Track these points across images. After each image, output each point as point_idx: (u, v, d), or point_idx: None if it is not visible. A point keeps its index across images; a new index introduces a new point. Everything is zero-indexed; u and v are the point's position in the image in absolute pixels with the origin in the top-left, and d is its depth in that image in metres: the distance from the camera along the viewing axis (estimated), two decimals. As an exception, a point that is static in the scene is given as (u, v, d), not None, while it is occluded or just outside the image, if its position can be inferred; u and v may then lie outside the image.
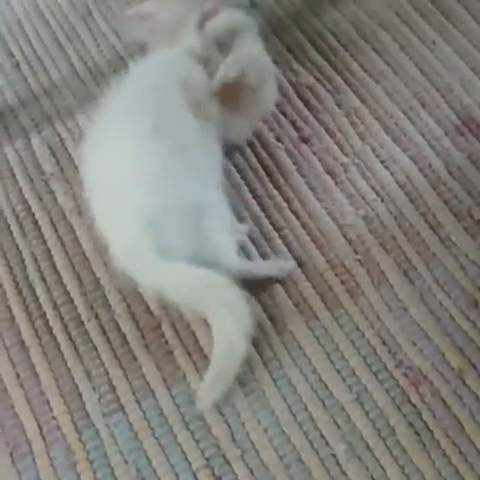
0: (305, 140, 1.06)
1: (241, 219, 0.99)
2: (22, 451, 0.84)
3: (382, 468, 0.81)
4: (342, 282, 0.93)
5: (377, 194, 1.00)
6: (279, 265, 0.95)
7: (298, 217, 0.99)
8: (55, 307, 0.93)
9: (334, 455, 0.82)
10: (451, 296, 0.91)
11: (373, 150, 1.04)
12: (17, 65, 1.18)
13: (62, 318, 0.92)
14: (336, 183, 1.02)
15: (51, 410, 0.86)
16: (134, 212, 0.89)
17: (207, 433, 0.84)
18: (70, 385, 0.87)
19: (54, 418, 0.86)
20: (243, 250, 0.95)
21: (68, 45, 1.19)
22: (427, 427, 0.83)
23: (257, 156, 1.05)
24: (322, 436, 0.83)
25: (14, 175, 1.06)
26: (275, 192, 1.02)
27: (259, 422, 0.84)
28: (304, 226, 0.98)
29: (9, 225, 1.01)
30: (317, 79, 1.12)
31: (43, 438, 0.84)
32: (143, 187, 0.90)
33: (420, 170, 1.02)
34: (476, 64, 1.10)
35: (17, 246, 0.99)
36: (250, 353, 0.87)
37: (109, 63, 1.16)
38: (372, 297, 0.92)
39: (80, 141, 1.02)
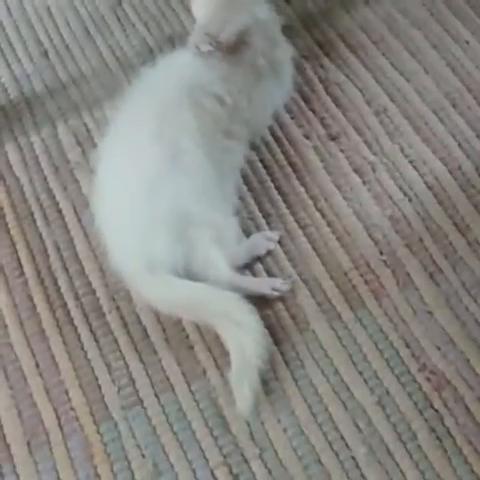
0: (333, 137, 1.05)
1: (267, 216, 0.98)
2: (39, 441, 0.84)
3: (402, 473, 0.80)
4: (366, 282, 0.92)
5: (405, 194, 0.99)
6: (273, 284, 0.91)
7: (324, 215, 0.98)
8: (77, 297, 0.93)
9: (354, 458, 0.81)
10: (477, 301, 0.89)
11: (402, 150, 1.03)
12: (45, 53, 1.17)
13: (83, 309, 0.92)
14: (363, 182, 1.00)
15: (69, 401, 0.86)
16: (127, 224, 0.90)
17: (226, 430, 0.83)
18: (89, 376, 0.87)
19: (72, 409, 0.85)
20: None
21: (97, 35, 1.19)
22: (449, 433, 0.82)
23: (284, 153, 1.04)
24: (342, 438, 0.82)
25: (39, 163, 1.05)
26: (301, 189, 1.01)
27: (279, 421, 0.83)
28: (329, 224, 0.97)
29: (33, 213, 1.01)
30: (347, 76, 1.11)
31: (61, 429, 0.84)
32: (134, 195, 0.90)
33: (449, 172, 1.00)
34: (510, 66, 1.09)
35: (40, 235, 0.99)
36: (272, 352, 0.87)
37: (138, 54, 1.15)
38: (397, 299, 0.90)
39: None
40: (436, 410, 0.83)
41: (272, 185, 1.01)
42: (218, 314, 0.87)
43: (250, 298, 0.88)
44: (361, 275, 0.93)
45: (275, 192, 1.01)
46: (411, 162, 1.01)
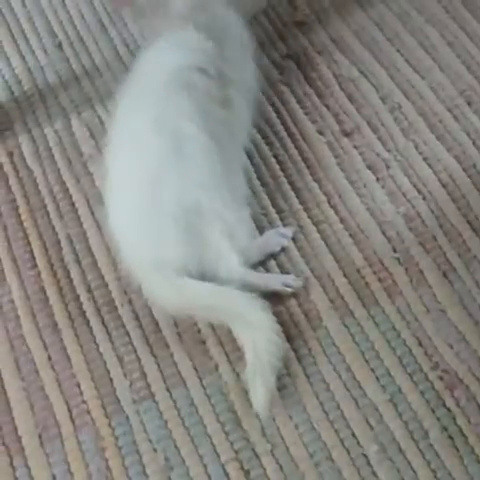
0: (347, 134, 1.04)
1: (280, 212, 0.98)
2: (51, 433, 0.84)
3: (414, 471, 0.79)
4: (379, 280, 0.92)
5: (419, 192, 0.98)
6: (285, 281, 0.90)
7: (337, 212, 0.98)
8: (89, 290, 0.93)
9: (365, 455, 0.80)
10: (491, 300, 0.89)
11: (416, 147, 1.02)
12: (59, 45, 1.17)
13: (95, 302, 0.92)
14: (377, 179, 1.00)
15: (81, 394, 0.86)
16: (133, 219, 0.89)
17: (237, 426, 0.83)
18: (101, 369, 0.87)
19: (84, 402, 0.85)
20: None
21: (111, 27, 1.18)
22: (461, 432, 0.81)
23: (298, 148, 1.04)
24: (354, 435, 0.82)
25: (53, 156, 1.05)
26: (315, 185, 1.00)
27: (290, 418, 0.83)
28: (342, 221, 0.97)
29: (46, 205, 1.01)
30: (361, 72, 1.11)
31: (72, 421, 0.84)
32: (140, 190, 0.89)
33: (464, 170, 1.00)
34: (526, 64, 1.08)
35: (53, 227, 0.99)
36: (284, 348, 0.86)
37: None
38: (410, 297, 0.90)
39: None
40: (448, 409, 0.83)
41: (285, 181, 1.01)
42: (230, 315, 0.87)
43: (262, 294, 0.88)
44: (374, 272, 0.92)
45: (288, 188, 1.00)
46: (425, 159, 1.01)
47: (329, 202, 0.99)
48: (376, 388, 0.84)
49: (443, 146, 1.02)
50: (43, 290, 0.93)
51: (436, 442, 0.81)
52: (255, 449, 0.81)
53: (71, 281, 0.94)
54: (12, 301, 0.92)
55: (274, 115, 1.07)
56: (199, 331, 0.89)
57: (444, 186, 0.99)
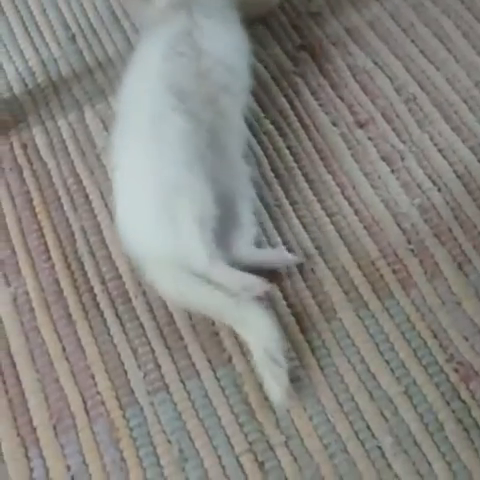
0: (361, 125, 1.04)
1: (294, 203, 0.97)
2: (66, 424, 0.84)
3: (429, 463, 0.79)
4: (394, 272, 0.91)
5: (434, 183, 0.98)
6: (250, 282, 0.87)
7: (351, 203, 0.97)
8: (103, 282, 0.93)
9: (380, 447, 0.80)
10: (507, 292, 0.88)
11: (431, 138, 1.01)
12: (73, 37, 1.17)
13: (110, 293, 0.92)
14: (392, 170, 0.99)
15: (96, 385, 0.86)
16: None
17: (251, 417, 0.83)
18: (115, 361, 0.87)
19: (98, 393, 0.85)
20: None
21: (124, 19, 1.18)
22: (477, 424, 0.81)
23: (311, 139, 1.03)
24: (368, 427, 0.81)
25: (66, 148, 1.05)
26: (328, 177, 1.00)
27: (305, 409, 0.83)
28: (357, 213, 0.96)
29: (60, 198, 1.01)
30: (375, 63, 1.10)
31: (87, 413, 0.84)
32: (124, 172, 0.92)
33: (479, 161, 0.99)
34: None
35: (67, 219, 0.99)
36: (298, 340, 0.86)
37: (165, 39, 1.14)
38: (424, 289, 0.90)
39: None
40: (463, 401, 0.82)
41: (299, 172, 1.01)
42: (225, 316, 0.87)
43: (279, 287, 0.89)
44: (389, 264, 0.92)
45: (302, 179, 1.00)
46: (440, 151, 1.00)
47: (343, 193, 0.98)
48: (391, 380, 0.84)
49: (458, 137, 1.01)
50: (57, 282, 0.93)
51: (451, 434, 0.80)
52: (269, 441, 0.81)
53: (85, 273, 0.94)
54: (27, 293, 0.93)
55: (288, 106, 1.06)
56: (213, 323, 0.89)
57: (459, 177, 0.98)
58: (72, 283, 0.93)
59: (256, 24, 1.13)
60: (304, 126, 1.04)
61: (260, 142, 1.03)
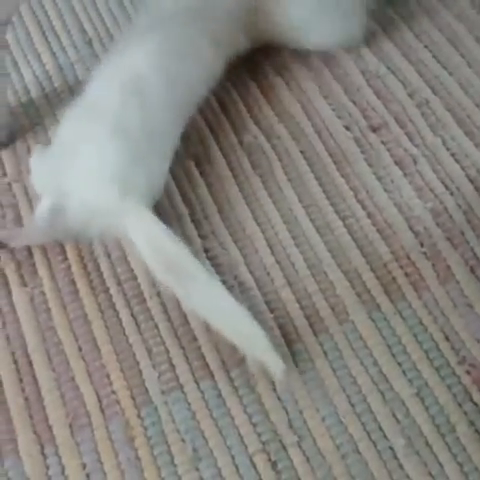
0: (374, 129, 1.05)
1: (307, 207, 0.98)
2: (81, 423, 0.85)
3: (440, 465, 0.80)
4: (406, 274, 0.92)
5: (446, 188, 0.98)
6: None
7: (364, 207, 0.98)
8: (119, 283, 0.94)
9: (392, 448, 0.81)
10: (518, 295, 0.89)
11: (444, 143, 1.02)
12: (89, 42, 1.19)
13: (125, 294, 0.93)
14: (405, 174, 1.00)
15: (111, 384, 0.87)
16: None
17: (265, 418, 0.83)
18: (131, 361, 0.88)
19: (114, 392, 0.86)
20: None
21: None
22: (488, 427, 0.82)
23: (324, 143, 1.04)
24: (380, 428, 0.82)
25: (82, 151, 1.06)
26: (341, 180, 1.01)
27: (317, 411, 0.83)
28: (370, 216, 0.97)
29: (76, 200, 1.02)
30: (388, 68, 1.11)
31: (102, 411, 0.85)
32: None
33: (492, 165, 1.00)
34: None
35: (83, 221, 1.00)
36: (311, 342, 0.87)
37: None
38: (437, 292, 0.90)
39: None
40: (475, 403, 0.83)
41: (312, 176, 1.02)
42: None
43: (290, 285, 0.90)
44: (401, 267, 0.92)
45: (315, 183, 1.01)
46: (453, 155, 1.01)
47: (356, 197, 0.99)
48: (403, 382, 0.84)
49: (471, 142, 1.02)
50: (74, 283, 0.94)
51: (463, 436, 0.81)
52: (282, 441, 0.82)
53: (101, 274, 0.95)
54: (43, 293, 0.94)
55: (301, 111, 1.07)
56: (227, 324, 0.90)
57: (472, 181, 0.99)
58: (88, 284, 0.94)
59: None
60: (317, 131, 1.05)
61: (273, 146, 1.04)
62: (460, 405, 0.83)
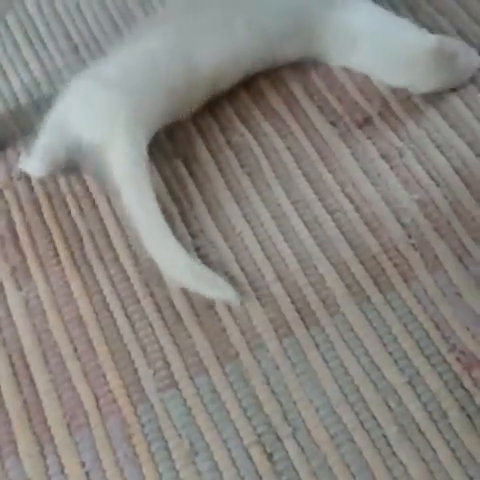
0: (360, 125, 1.06)
1: (295, 202, 0.99)
2: (79, 422, 0.86)
3: (433, 450, 0.81)
4: (395, 265, 0.93)
5: (432, 179, 1.00)
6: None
7: (351, 201, 0.99)
8: (112, 284, 0.95)
9: (385, 436, 0.82)
10: (506, 282, 0.90)
11: (429, 135, 1.04)
12: (75, 48, 1.20)
13: (118, 295, 0.94)
14: (391, 167, 1.01)
15: (107, 383, 0.88)
16: None
17: (259, 410, 0.85)
18: (126, 360, 0.89)
19: (110, 391, 0.87)
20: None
21: (126, 29, 1.21)
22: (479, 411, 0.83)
23: (310, 140, 1.05)
24: (374, 417, 0.83)
25: (72, 155, 1.08)
26: (329, 176, 1.02)
27: (311, 402, 0.85)
28: (357, 209, 0.98)
29: (67, 204, 1.03)
30: (372, 64, 1.12)
31: (99, 410, 0.86)
32: None
33: (477, 156, 1.01)
34: None
35: (75, 224, 1.01)
36: (303, 335, 0.88)
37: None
38: (426, 281, 0.92)
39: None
40: (466, 389, 0.84)
41: (300, 172, 1.03)
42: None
43: (281, 280, 0.92)
44: (390, 258, 0.94)
45: (303, 179, 1.02)
46: (438, 147, 1.02)
47: (343, 191, 1.00)
48: (394, 371, 0.86)
49: (456, 133, 1.03)
50: (68, 285, 0.96)
51: (455, 422, 0.82)
52: (277, 433, 0.83)
53: (94, 276, 0.96)
54: (38, 296, 0.95)
55: (286, 109, 1.09)
56: (220, 320, 0.91)
57: (457, 172, 1.00)
58: (82, 285, 0.95)
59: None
60: (303, 128, 1.06)
61: (261, 144, 1.05)
62: (451, 392, 0.84)
